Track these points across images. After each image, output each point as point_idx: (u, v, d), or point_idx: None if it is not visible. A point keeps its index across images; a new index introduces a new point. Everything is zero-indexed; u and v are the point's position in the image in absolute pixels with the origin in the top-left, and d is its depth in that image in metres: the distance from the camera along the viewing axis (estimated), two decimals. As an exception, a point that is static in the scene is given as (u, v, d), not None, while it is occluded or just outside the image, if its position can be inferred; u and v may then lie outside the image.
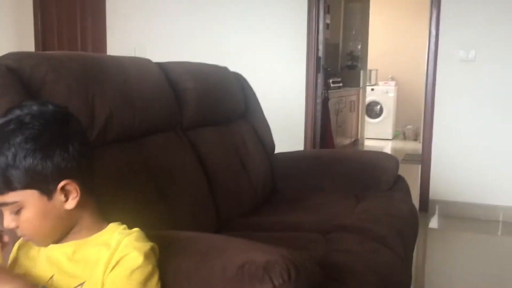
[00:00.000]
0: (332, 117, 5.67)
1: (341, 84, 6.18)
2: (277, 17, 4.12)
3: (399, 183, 2.25)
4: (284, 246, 1.40)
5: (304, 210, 1.96)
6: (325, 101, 4.72)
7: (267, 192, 2.24)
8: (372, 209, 1.91)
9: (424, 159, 3.85)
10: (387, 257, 1.55)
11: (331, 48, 6.62)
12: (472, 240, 3.39)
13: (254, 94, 2.46)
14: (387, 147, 7.55)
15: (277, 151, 2.53)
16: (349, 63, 7.09)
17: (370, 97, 8.04)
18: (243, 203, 2.00)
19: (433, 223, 3.69)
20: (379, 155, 2.34)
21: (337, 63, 6.90)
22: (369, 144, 7.62)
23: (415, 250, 3.14)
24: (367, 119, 8.01)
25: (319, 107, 4.28)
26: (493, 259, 2.99)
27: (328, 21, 6.30)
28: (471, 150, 3.69)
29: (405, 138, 8.15)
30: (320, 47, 4.15)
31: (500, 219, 3.63)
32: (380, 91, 8.08)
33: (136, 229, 0.99)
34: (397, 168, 2.24)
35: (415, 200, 3.87)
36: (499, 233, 3.53)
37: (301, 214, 1.92)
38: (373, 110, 8.14)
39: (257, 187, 2.11)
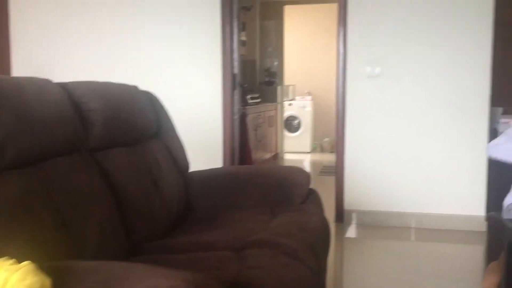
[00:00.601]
0: (251, 132, 5.74)
1: (259, 100, 6.28)
2: (191, 36, 4.12)
3: (312, 196, 2.31)
4: (195, 267, 1.37)
5: (219, 228, 1.95)
6: (243, 117, 4.76)
7: (182, 212, 2.20)
8: (285, 223, 1.94)
9: (337, 171, 4.00)
10: (299, 271, 1.57)
11: (248, 65, 6.72)
12: (387, 247, 3.55)
13: (166, 112, 2.43)
14: (306, 160, 7.77)
15: (195, 168, 2.51)
16: (267, 79, 7.24)
17: (288, 112, 8.25)
18: (156, 224, 1.95)
19: (350, 232, 3.83)
20: (291, 170, 2.39)
21: (255, 79, 7.02)
22: (289, 157, 7.80)
23: (332, 260, 3.25)
24: (286, 133, 8.20)
25: (236, 123, 4.31)
26: (407, 263, 3.14)
27: (244, 38, 6.41)
28: (381, 160, 3.89)
29: (322, 150, 8.43)
30: (235, 64, 4.19)
31: (413, 225, 3.84)
32: (297, 106, 8.31)
33: (26, 262, 0.92)
34: (308, 182, 2.30)
35: (332, 211, 4.01)
36: (413, 238, 3.73)
37: (216, 232, 1.91)
38: (291, 125, 8.35)
39: (171, 207, 2.08)
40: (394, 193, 3.88)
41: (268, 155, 6.74)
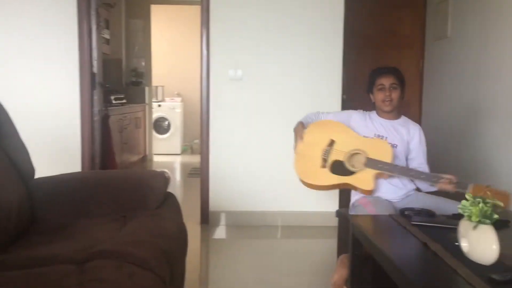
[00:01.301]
0: (116, 134, 5.50)
1: (124, 101, 6.05)
2: (44, 30, 3.82)
3: (169, 200, 2.26)
4: (31, 285, 1.25)
5: (64, 240, 1.82)
6: (105, 118, 4.54)
7: (24, 223, 2.01)
8: (137, 230, 1.87)
9: (202, 172, 4.00)
10: (147, 280, 1.52)
11: (113, 64, 6.45)
12: (253, 246, 3.63)
13: (7, 116, 2.20)
14: (176, 162, 7.69)
15: (52, 174, 2.31)
16: (134, 79, 7.02)
17: (157, 113, 8.10)
18: (-9, 239, 1.75)
19: (219, 233, 3.85)
20: (146, 174, 2.32)
21: (120, 80, 6.76)
22: (158, 159, 7.65)
23: (198, 263, 3.24)
24: (155, 135, 8.04)
25: (97, 125, 4.09)
26: (270, 261, 3.24)
27: (107, 36, 6.13)
28: (243, 161, 3.97)
29: (193, 152, 8.41)
30: (95, 63, 3.98)
31: (279, 223, 3.98)
32: (167, 107, 8.20)
33: None
34: (165, 185, 2.25)
35: (198, 213, 4.01)
36: (279, 236, 3.85)
37: (59, 244, 1.77)
38: (161, 126, 8.21)
39: (9, 219, 1.88)
40: (258, 193, 3.99)
41: (135, 158, 6.53)
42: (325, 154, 2.56)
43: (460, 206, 1.73)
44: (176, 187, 5.99)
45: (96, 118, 4.05)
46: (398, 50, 5.86)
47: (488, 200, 1.67)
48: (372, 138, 2.60)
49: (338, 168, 2.55)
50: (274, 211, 3.98)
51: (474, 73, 4.62)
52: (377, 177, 2.55)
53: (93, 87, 3.96)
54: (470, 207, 1.68)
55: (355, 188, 2.61)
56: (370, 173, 2.53)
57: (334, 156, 2.55)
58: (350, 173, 2.55)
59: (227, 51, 3.89)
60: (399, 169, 2.50)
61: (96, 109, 4.02)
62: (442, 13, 5.28)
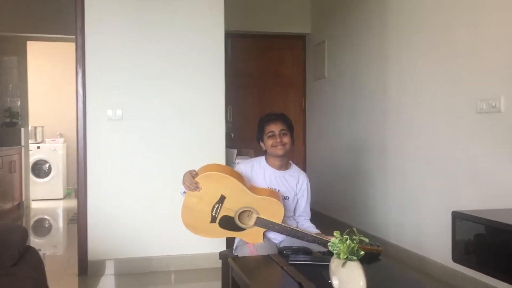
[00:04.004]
0: (-17, 181, 4.99)
1: (-6, 144, 5.55)
2: None
3: (28, 256, 2.03)
4: None
5: None
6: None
7: None
8: (-17, 294, 1.63)
9: (80, 219, 3.73)
10: None
11: (-18, 104, 5.92)
12: None
13: None
14: (59, 207, 7.16)
15: None
16: (8, 120, 6.48)
17: (36, 155, 7.54)
18: None
19: (107, 284, 3.56)
20: (1, 228, 2.07)
21: (-8, 120, 6.21)
22: (37, 206, 7.07)
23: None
24: (34, 179, 7.45)
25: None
26: None
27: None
28: (129, 204, 3.75)
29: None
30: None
31: (172, 268, 3.78)
32: (47, 149, 7.67)
33: None
34: (24, 240, 2.02)
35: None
36: (172, 281, 3.65)
37: None
38: (41, 169, 7.65)
39: None
40: (144, 237, 3.78)
41: (9, 205, 5.96)
42: (214, 211, 2.50)
43: (329, 243, 1.75)
44: (56, 235, 5.54)
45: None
46: (282, 89, 6.10)
47: (354, 237, 1.71)
48: (264, 197, 2.54)
49: (228, 223, 2.50)
50: (161, 255, 3.79)
51: (349, 110, 4.92)
52: (266, 231, 2.56)
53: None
54: (339, 245, 1.71)
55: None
56: (260, 230, 2.52)
57: (223, 213, 2.50)
58: (240, 229, 2.52)
59: (105, 90, 3.72)
60: (288, 230, 2.50)
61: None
62: (320, 55, 5.60)
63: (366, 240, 1.70)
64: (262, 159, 2.80)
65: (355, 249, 1.68)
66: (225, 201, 2.47)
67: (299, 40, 6.08)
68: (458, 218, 2.20)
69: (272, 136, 2.69)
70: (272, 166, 2.75)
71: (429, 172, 3.59)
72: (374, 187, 4.42)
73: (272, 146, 2.69)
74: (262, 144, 2.78)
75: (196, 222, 2.53)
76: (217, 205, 2.47)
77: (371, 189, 4.48)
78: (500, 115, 2.92)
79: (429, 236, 3.60)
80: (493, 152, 2.98)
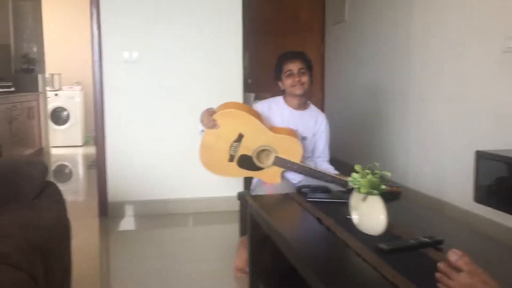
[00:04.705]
0: (3, 125, 5.05)
1: (12, 89, 5.56)
2: None
3: (49, 190, 2.05)
4: None
5: None
6: (-13, 107, 4.12)
7: None
8: (5, 224, 1.65)
9: (99, 162, 3.76)
10: (9, 277, 1.33)
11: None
12: (166, 234, 3.44)
13: None
14: (78, 154, 7.26)
15: None
16: (24, 66, 6.47)
17: (54, 103, 7.58)
18: None
19: (127, 225, 3.63)
20: (20, 163, 2.07)
21: (9, 67, 6.20)
22: (57, 152, 7.18)
23: (98, 256, 3.04)
24: (53, 126, 7.53)
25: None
26: (178, 248, 3.11)
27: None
28: (144, 148, 3.77)
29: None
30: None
31: (185, 211, 3.83)
32: (65, 96, 7.70)
33: None
34: (44, 174, 2.03)
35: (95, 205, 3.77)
36: (191, 224, 3.71)
37: None
38: (59, 117, 7.70)
39: None
40: (162, 180, 3.82)
41: (29, 151, 6.05)
42: (232, 149, 2.47)
43: (350, 179, 1.72)
44: (77, 180, 5.64)
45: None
46: (299, 35, 5.94)
47: (376, 171, 1.67)
48: (282, 135, 2.51)
49: (246, 162, 2.48)
50: (179, 198, 3.83)
51: (371, 55, 4.78)
52: (284, 171, 2.54)
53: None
54: (360, 179, 1.68)
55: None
56: (278, 170, 2.50)
57: (242, 151, 2.47)
58: (258, 168, 2.50)
59: (121, 31, 3.65)
60: (306, 170, 2.48)
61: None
62: (340, -3, 5.39)
63: (389, 174, 1.66)
64: (280, 98, 2.75)
65: (377, 183, 1.64)
66: (243, 139, 2.45)
67: (318, -19, 5.86)
68: (482, 157, 2.15)
69: (291, 75, 2.63)
70: (290, 105, 2.70)
71: (452, 114, 3.50)
72: (394, 133, 4.35)
73: (291, 86, 2.63)
74: (280, 83, 2.72)
75: (214, 161, 2.53)
76: (235, 143, 2.45)
77: (391, 135, 4.41)
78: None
79: (450, 179, 3.56)
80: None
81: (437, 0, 3.67)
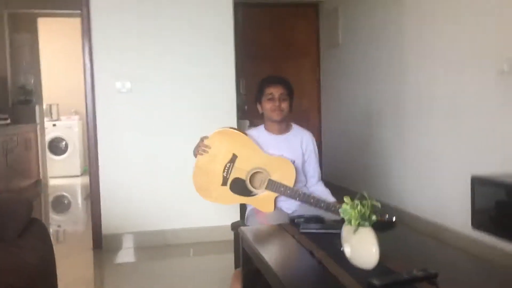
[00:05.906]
0: (-1, 158, 5.01)
1: (8, 121, 5.54)
2: None
3: (34, 228, 2.00)
4: None
5: None
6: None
7: None
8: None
9: (92, 194, 3.71)
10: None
11: (-4, 82, 5.92)
12: (166, 266, 3.39)
13: None
14: (76, 184, 7.22)
15: None
16: (22, 97, 6.48)
17: (53, 133, 7.58)
18: None
19: (120, 257, 3.56)
20: (4, 201, 2.03)
21: (6, 98, 6.20)
22: (56, 183, 7.13)
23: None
24: (51, 156, 7.51)
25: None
26: (181, 281, 3.05)
27: (-14, 51, 5.62)
28: (141, 177, 3.72)
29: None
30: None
31: (186, 241, 3.75)
32: (63, 126, 7.70)
33: None
34: (28, 212, 1.98)
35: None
36: (187, 255, 3.63)
37: None
38: (58, 147, 7.69)
39: None
40: (157, 210, 3.76)
41: (26, 182, 6.00)
42: (226, 171, 2.44)
43: (341, 210, 1.67)
44: (75, 211, 5.58)
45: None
46: (296, 59, 5.95)
47: (365, 202, 1.62)
48: (276, 156, 2.48)
49: (239, 187, 2.45)
50: (175, 228, 3.77)
51: (365, 77, 4.77)
52: (278, 197, 2.49)
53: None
54: (350, 211, 1.62)
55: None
56: (271, 196, 2.45)
57: (235, 174, 2.44)
58: (251, 193, 2.46)
59: (113, 62, 3.65)
60: (300, 195, 2.43)
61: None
62: (333, 22, 5.42)
63: (378, 204, 1.61)
64: (261, 128, 2.72)
65: (367, 214, 1.59)
66: (237, 160, 2.43)
67: (312, 8, 5.90)
68: (477, 183, 2.10)
69: (271, 99, 2.60)
70: (272, 132, 2.66)
71: (448, 137, 3.46)
72: (390, 156, 4.31)
73: (271, 110, 2.59)
74: (259, 106, 2.69)
75: (207, 184, 2.49)
76: (229, 164, 2.43)
77: (387, 158, 4.36)
78: (524, 76, 2.76)
79: (447, 203, 3.49)
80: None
81: (429, 21, 3.67)
